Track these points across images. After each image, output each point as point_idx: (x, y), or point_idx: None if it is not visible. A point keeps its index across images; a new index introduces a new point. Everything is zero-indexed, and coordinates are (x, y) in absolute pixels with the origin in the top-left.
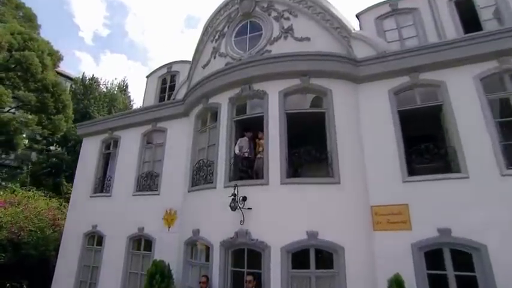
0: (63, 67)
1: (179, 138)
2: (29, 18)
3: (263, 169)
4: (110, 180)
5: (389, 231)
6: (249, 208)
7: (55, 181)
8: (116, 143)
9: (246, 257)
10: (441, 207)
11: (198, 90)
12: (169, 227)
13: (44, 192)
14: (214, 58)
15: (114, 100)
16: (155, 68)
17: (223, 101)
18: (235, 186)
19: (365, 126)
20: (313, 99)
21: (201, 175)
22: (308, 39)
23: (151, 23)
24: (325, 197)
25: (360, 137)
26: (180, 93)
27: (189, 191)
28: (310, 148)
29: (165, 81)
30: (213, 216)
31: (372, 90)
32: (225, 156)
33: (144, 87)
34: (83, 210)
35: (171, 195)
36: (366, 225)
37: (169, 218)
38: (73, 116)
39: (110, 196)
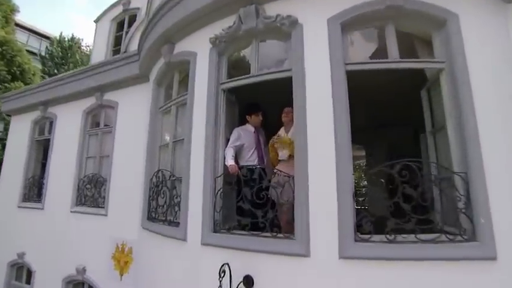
0: (50, 29)
1: (136, 119)
2: None
3: (293, 211)
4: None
5: None
6: None
7: None
8: (52, 125)
9: None
10: None
11: (156, 29)
12: (121, 274)
13: None
14: None
15: None
16: (107, 8)
17: (199, 48)
18: (223, 270)
19: None
20: (405, 41)
21: (159, 203)
22: None
23: None
24: None
25: None
26: (136, 41)
27: (143, 228)
28: (417, 164)
29: (122, 27)
30: None
31: None
32: (203, 168)
33: (93, 37)
34: (8, 226)
35: (124, 219)
36: None
37: (122, 259)
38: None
39: (41, 209)
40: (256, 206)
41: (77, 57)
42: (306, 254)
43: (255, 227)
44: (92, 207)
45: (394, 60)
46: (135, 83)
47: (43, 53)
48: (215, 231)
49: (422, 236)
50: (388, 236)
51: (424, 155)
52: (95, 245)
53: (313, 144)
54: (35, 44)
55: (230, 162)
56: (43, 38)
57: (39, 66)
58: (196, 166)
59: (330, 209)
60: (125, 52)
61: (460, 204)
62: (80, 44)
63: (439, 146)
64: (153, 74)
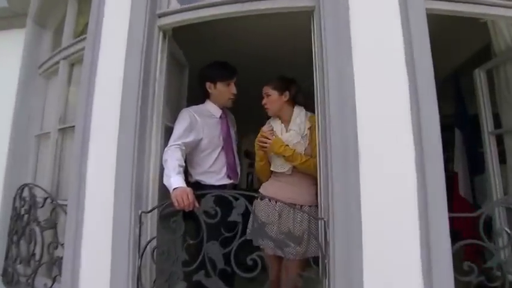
0: None
1: (6, 86)
2: None
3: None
4: None
5: None
6: None
7: None
8: None
9: None
10: None
11: None
12: None
13: None
14: None
15: None
16: None
17: None
18: None
19: None
20: None
21: (23, 253)
22: None
23: None
24: None
25: None
26: None
27: None
28: None
29: None
30: None
31: None
32: (113, 190)
33: None
34: None
35: None
36: None
37: None
38: None
39: None
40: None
41: None
42: None
43: None
44: None
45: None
46: (4, 26)
47: None
48: None
49: None
50: None
51: None
52: None
53: (370, 147)
54: None
55: (175, 181)
56: None
57: None
58: (99, 184)
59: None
60: None
61: None
62: None
63: None
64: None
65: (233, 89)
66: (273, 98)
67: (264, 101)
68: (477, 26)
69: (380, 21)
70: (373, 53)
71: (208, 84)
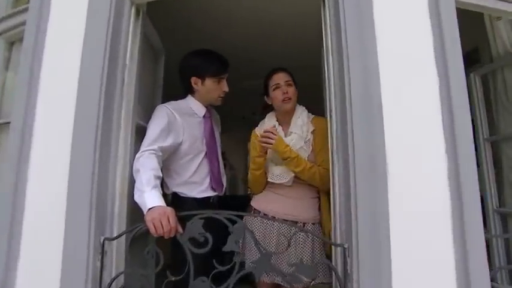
0: None
1: None
2: None
3: None
4: None
5: None
6: None
7: None
8: None
9: None
10: None
11: None
12: None
13: None
14: None
15: None
16: None
17: None
18: None
19: None
20: None
21: None
22: None
23: None
24: None
25: None
26: None
27: None
28: None
29: None
30: None
31: None
32: (64, 207)
33: None
34: None
35: None
36: None
37: None
38: None
39: None
40: None
41: None
42: None
43: None
44: None
45: None
46: None
47: None
48: None
49: None
50: None
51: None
52: None
53: (398, 156)
54: None
55: (150, 198)
56: None
57: None
58: (44, 200)
59: None
60: None
61: None
62: None
63: None
64: None
65: (225, 86)
66: (294, 90)
67: (285, 90)
68: (465, 29)
69: (406, 13)
70: (398, 43)
71: (194, 80)
